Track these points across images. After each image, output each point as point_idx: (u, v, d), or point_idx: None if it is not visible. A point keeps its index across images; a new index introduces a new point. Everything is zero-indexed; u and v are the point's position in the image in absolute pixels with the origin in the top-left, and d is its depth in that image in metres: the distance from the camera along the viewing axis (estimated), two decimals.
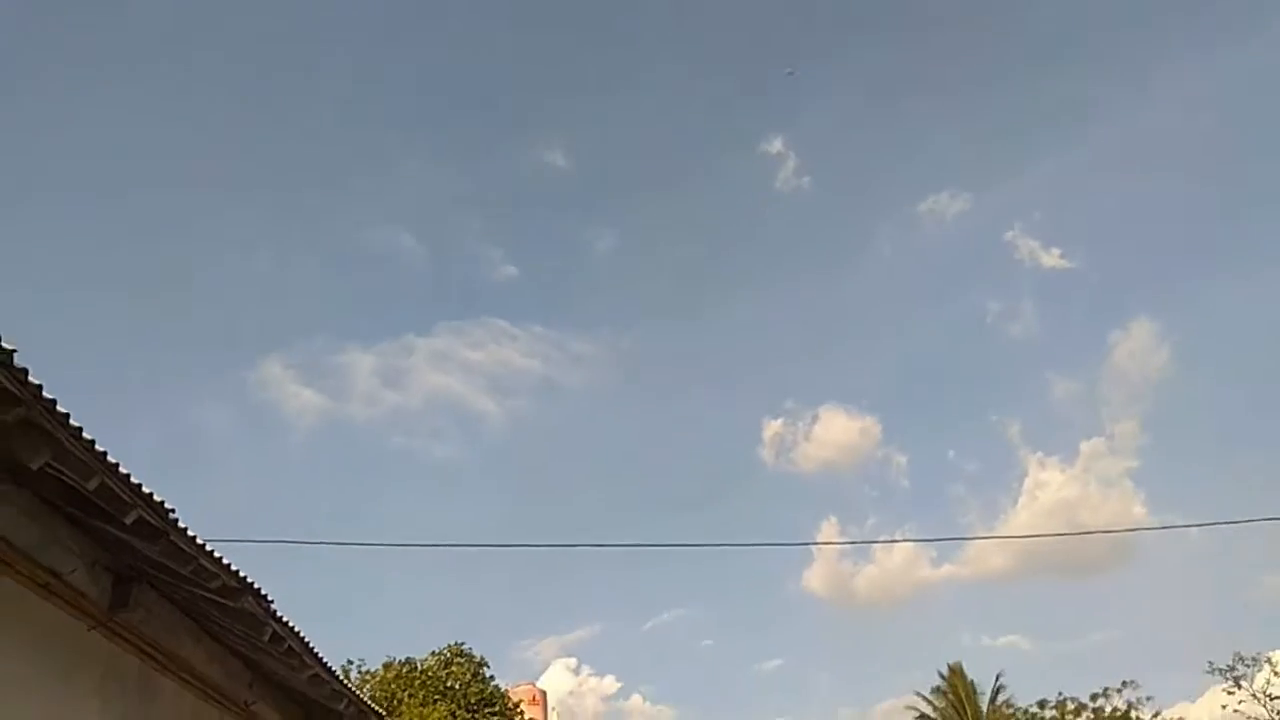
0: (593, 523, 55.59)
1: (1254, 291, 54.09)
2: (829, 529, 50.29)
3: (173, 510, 6.35)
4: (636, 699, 56.05)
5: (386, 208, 67.37)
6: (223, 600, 7.32)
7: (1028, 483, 48.70)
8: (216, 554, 6.90)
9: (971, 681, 34.69)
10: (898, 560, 53.33)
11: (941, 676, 35.53)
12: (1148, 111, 57.76)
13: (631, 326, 65.80)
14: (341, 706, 10.24)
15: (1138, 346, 50.75)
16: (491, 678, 25.51)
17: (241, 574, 7.22)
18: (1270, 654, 31.78)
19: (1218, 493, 46.71)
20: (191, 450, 49.96)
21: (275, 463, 56.17)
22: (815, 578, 52.24)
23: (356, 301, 64.40)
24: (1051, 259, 51.42)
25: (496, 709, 24.75)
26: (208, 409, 53.86)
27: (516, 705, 26.54)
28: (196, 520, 6.50)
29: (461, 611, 47.11)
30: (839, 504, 55.90)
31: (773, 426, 53.77)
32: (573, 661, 47.42)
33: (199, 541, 6.67)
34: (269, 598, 7.58)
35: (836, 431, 53.26)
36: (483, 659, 25.60)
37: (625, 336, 63.53)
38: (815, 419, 54.03)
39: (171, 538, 6.44)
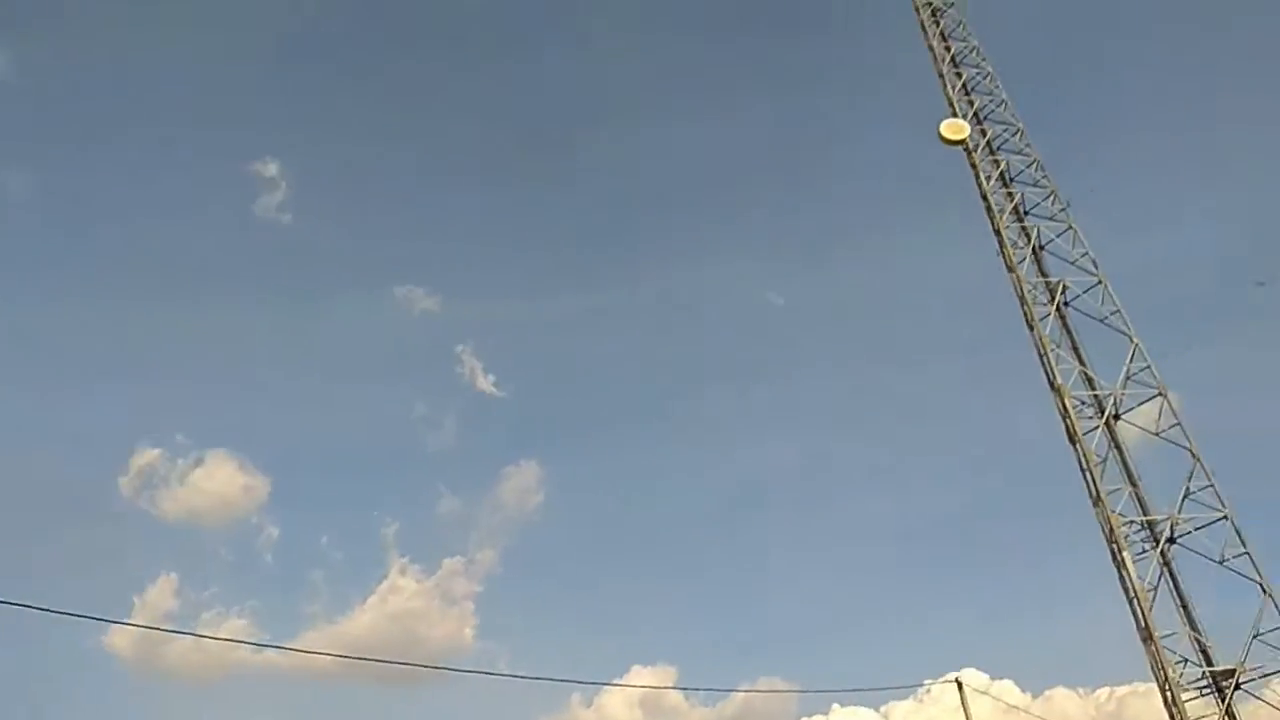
0: None
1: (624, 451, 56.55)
2: (164, 584, 46.40)
3: None
4: None
5: None
6: None
7: (384, 585, 49.15)
8: None
9: None
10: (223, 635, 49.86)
11: None
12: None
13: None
14: None
15: (522, 485, 53.70)
16: None
17: None
18: None
19: (540, 629, 47.10)
20: None
21: None
22: (123, 636, 49.74)
23: None
24: (486, 384, 53.65)
25: None
26: None
27: None
28: None
29: None
30: (186, 561, 53.11)
31: (147, 455, 48.93)
32: None
33: None
34: None
35: (220, 481, 49.58)
36: None
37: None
38: (201, 461, 50.38)
39: None
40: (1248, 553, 20.49)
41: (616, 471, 56.70)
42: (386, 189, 66.78)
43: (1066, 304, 24.08)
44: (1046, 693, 38.35)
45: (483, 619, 50.36)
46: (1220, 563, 20.70)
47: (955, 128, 26.01)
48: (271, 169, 58.55)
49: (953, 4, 27.86)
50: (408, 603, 49.21)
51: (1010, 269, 24.70)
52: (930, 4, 27.91)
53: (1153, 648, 19.80)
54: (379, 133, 66.04)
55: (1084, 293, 24.02)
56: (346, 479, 57.89)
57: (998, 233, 25.19)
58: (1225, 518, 20.85)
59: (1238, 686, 19.51)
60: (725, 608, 49.61)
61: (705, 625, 47.84)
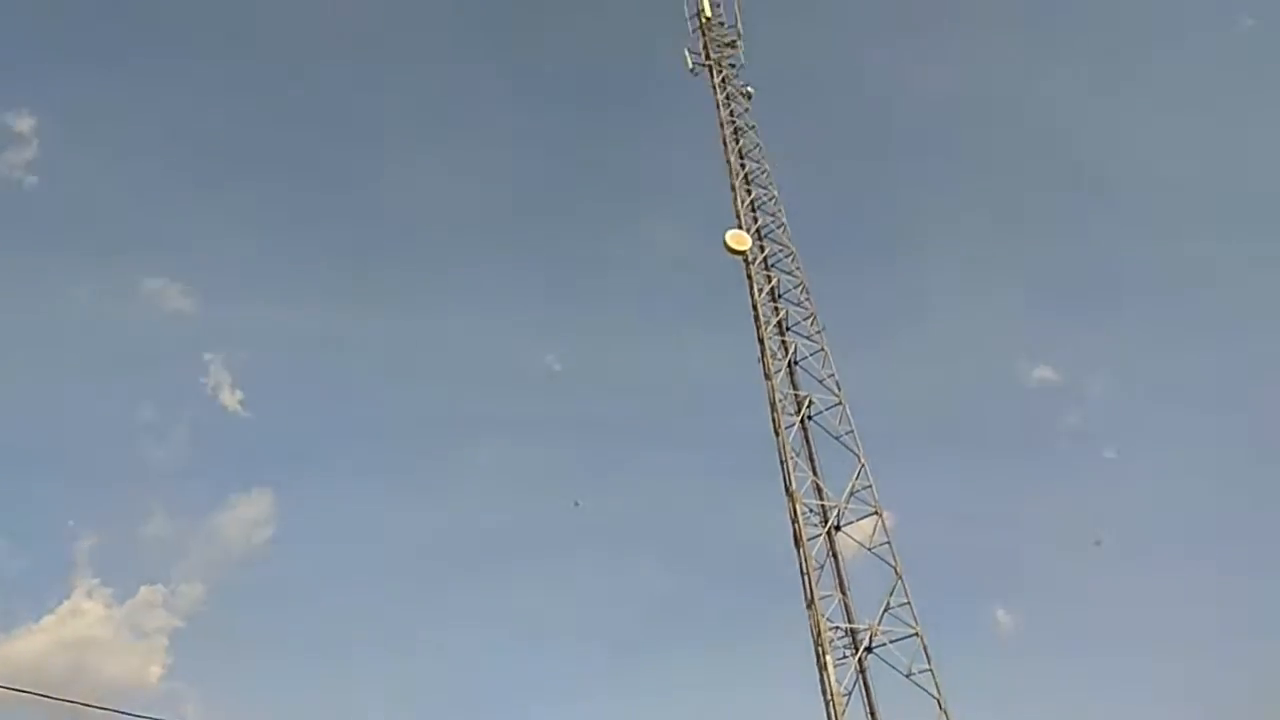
0: None
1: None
2: None
3: None
4: None
5: None
6: None
7: (65, 606, 44.46)
8: None
9: None
10: None
11: None
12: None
13: None
14: None
15: (250, 516, 50.79)
16: None
17: None
18: None
19: (242, 677, 44.22)
20: None
21: None
22: None
23: None
24: (232, 400, 51.27)
25: None
26: None
27: None
28: None
29: None
30: None
31: None
32: None
33: None
34: None
35: None
36: None
37: None
38: None
39: None
40: (931, 670, 22.18)
41: (356, 517, 52.70)
42: (160, 173, 59.88)
43: (810, 418, 25.76)
44: None
45: (176, 658, 44.40)
46: (907, 676, 22.25)
47: (739, 239, 27.71)
48: (25, 124, 51.63)
49: (754, 126, 30.25)
50: (89, 630, 42.71)
51: (767, 377, 26.19)
52: (734, 123, 30.06)
53: None
54: (167, 111, 59.98)
55: (826, 410, 25.83)
56: (40, 479, 48.77)
57: (761, 341, 26.76)
58: (916, 635, 22.55)
59: None
60: (440, 673, 46.89)
61: (422, 690, 45.00)
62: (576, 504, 46.55)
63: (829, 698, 21.37)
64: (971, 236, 56.79)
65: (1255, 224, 48.89)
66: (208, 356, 51.80)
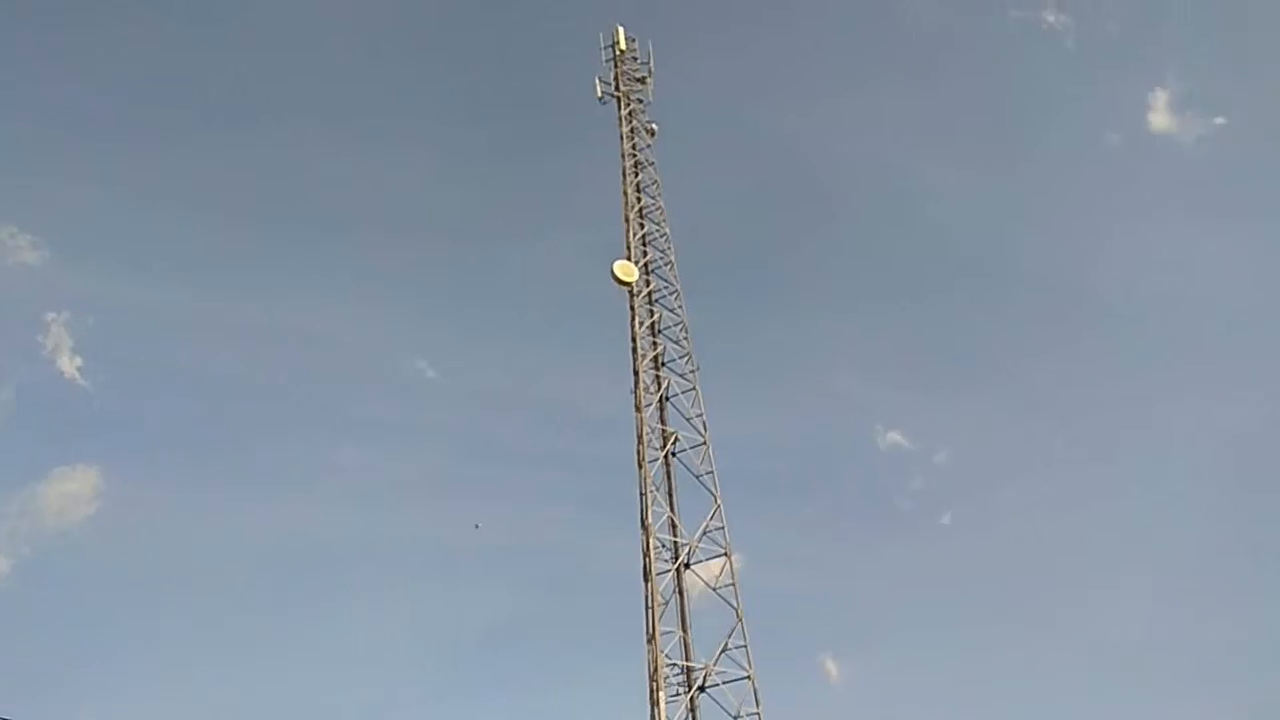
0: None
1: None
2: None
3: None
4: None
5: None
6: None
7: None
8: None
9: None
10: None
11: None
12: None
13: None
14: None
15: (72, 491, 49.72)
16: None
17: None
18: None
19: (45, 664, 42.80)
20: None
21: None
22: None
23: None
24: (70, 365, 50.54)
25: None
26: None
27: None
28: None
29: None
30: None
31: None
32: None
33: None
34: None
35: None
36: None
37: None
38: None
39: None
40: (758, 713, 22.63)
41: (187, 511, 49.65)
42: (33, 111, 55.98)
43: (674, 454, 26.09)
44: None
45: None
46: (735, 718, 22.64)
47: (627, 270, 28.00)
48: None
49: (654, 163, 30.78)
50: None
51: (638, 409, 26.40)
52: (635, 157, 30.49)
53: None
54: (50, 47, 56.34)
55: (691, 448, 26.24)
56: None
57: (636, 373, 27.00)
58: (749, 678, 23.00)
59: None
60: (269, 688, 44.61)
61: (240, 701, 42.71)
62: (477, 526, 45.53)
63: None
64: (852, 301, 59.39)
65: (1097, 317, 53.47)
66: (50, 316, 48.58)
